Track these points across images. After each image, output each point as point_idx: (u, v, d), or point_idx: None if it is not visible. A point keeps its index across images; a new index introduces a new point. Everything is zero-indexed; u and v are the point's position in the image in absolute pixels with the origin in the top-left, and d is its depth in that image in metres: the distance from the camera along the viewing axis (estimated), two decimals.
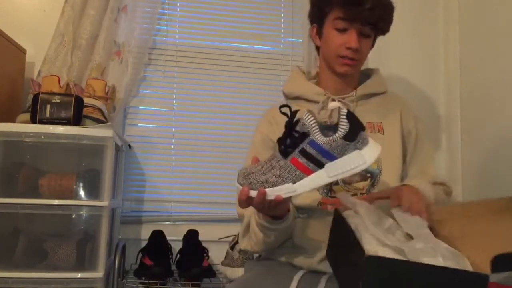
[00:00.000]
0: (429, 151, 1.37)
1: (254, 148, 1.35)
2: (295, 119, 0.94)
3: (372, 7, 1.21)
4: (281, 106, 0.96)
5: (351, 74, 1.32)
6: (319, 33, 1.34)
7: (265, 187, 0.94)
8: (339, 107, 0.93)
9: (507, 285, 0.82)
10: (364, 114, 1.31)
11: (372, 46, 1.35)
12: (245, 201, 0.98)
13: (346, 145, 0.91)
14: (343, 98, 1.33)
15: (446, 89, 2.05)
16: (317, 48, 1.39)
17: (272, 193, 0.94)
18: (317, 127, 0.91)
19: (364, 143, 0.92)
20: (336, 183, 1.23)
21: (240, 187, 0.97)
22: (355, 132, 0.91)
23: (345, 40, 1.26)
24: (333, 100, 1.32)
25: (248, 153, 1.37)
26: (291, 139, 0.93)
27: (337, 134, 0.91)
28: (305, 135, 0.92)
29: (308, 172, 0.93)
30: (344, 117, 0.91)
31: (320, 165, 0.93)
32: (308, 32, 1.43)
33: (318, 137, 0.91)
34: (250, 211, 1.23)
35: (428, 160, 1.35)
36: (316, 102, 1.32)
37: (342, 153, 0.92)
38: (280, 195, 0.94)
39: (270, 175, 0.94)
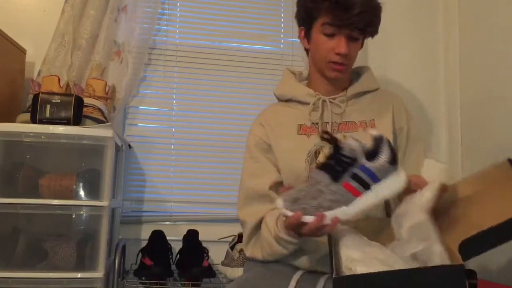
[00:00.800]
0: (420, 153, 1.35)
1: (250, 151, 1.35)
2: (336, 145, 1.00)
3: (361, 12, 1.20)
4: (322, 133, 1.03)
5: (341, 77, 1.33)
6: (307, 36, 1.34)
7: (320, 211, 0.97)
8: (380, 135, 0.99)
9: (497, 283, 0.81)
10: (356, 113, 1.32)
11: (361, 47, 1.35)
12: (295, 225, 1.01)
13: (388, 167, 0.98)
14: (334, 99, 1.33)
15: (446, 90, 2.04)
16: (306, 50, 1.39)
17: (330, 217, 0.98)
18: (362, 153, 0.98)
19: (398, 165, 1.01)
20: None
21: (290, 213, 0.99)
22: (395, 156, 0.99)
23: (334, 45, 1.26)
24: (324, 101, 1.32)
25: (244, 156, 1.37)
26: (341, 165, 0.98)
27: (384, 159, 0.98)
28: (354, 160, 0.97)
29: (358, 195, 0.98)
30: (387, 144, 0.98)
31: (367, 187, 0.98)
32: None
33: (365, 162, 0.97)
34: (254, 218, 1.23)
35: (417, 164, 1.33)
36: (307, 103, 1.33)
37: (385, 175, 0.98)
38: (338, 218, 0.97)
39: (322, 199, 0.98)
